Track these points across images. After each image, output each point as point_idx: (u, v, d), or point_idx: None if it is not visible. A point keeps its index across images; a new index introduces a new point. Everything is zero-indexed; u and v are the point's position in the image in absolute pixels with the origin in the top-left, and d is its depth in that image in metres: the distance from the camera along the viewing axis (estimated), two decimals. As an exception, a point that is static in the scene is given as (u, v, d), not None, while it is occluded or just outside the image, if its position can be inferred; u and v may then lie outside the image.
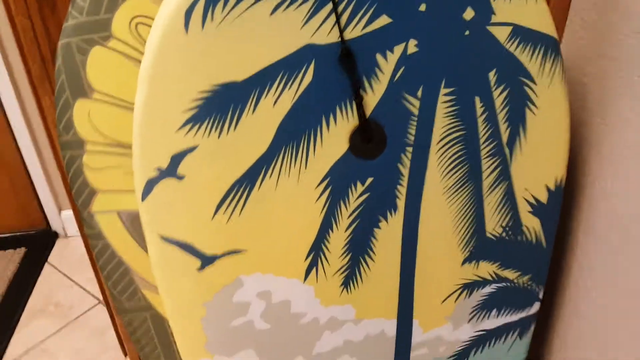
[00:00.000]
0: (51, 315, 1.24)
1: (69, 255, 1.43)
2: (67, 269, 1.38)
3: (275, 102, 0.47)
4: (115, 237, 0.59)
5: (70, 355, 1.14)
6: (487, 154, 0.53)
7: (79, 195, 0.56)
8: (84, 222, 0.58)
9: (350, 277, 0.55)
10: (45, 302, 1.28)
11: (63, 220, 1.46)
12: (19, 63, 1.17)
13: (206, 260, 0.52)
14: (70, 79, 0.51)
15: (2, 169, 1.37)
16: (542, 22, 0.49)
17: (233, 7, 0.44)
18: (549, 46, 0.50)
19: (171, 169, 0.48)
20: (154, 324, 0.65)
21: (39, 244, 1.44)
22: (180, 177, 0.49)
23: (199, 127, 0.47)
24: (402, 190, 0.53)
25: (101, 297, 1.27)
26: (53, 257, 1.42)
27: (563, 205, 0.61)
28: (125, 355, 0.92)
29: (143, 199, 0.49)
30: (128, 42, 0.50)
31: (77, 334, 1.19)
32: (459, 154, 0.52)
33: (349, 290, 0.56)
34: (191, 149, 0.48)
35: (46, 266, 1.39)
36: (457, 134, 0.52)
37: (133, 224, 0.58)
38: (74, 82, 0.51)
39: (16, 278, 1.34)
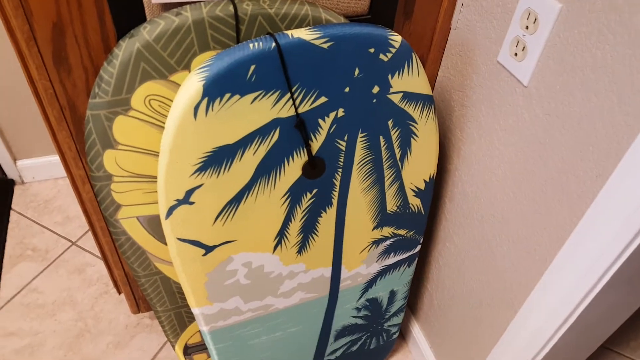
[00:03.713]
0: (30, 258, 1.43)
1: (31, 202, 1.58)
2: (33, 214, 1.54)
3: (255, 152, 0.71)
4: (135, 233, 0.82)
5: (59, 292, 1.37)
6: (387, 167, 0.82)
7: (107, 209, 0.78)
8: (111, 224, 0.80)
9: (302, 247, 0.85)
10: (22, 247, 1.46)
11: (19, 169, 1.58)
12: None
13: (208, 249, 0.78)
14: (100, 137, 0.71)
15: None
16: (421, 87, 0.76)
17: (226, 102, 0.66)
18: (425, 100, 0.78)
19: (185, 199, 0.72)
20: (162, 282, 0.91)
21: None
22: (192, 203, 0.73)
23: (204, 173, 0.70)
24: (335, 193, 0.81)
25: (74, 239, 1.48)
26: (16, 204, 1.57)
27: (435, 187, 0.94)
28: (120, 293, 1.18)
29: (166, 218, 0.73)
30: (143, 111, 0.70)
31: (60, 273, 1.40)
32: (370, 169, 0.81)
33: (301, 254, 0.86)
34: (199, 186, 0.71)
35: (12, 213, 1.54)
36: (369, 158, 0.79)
37: (148, 223, 0.82)
38: (103, 139, 0.71)
39: (-14, 227, 1.48)
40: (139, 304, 1.17)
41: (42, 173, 1.62)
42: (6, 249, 1.45)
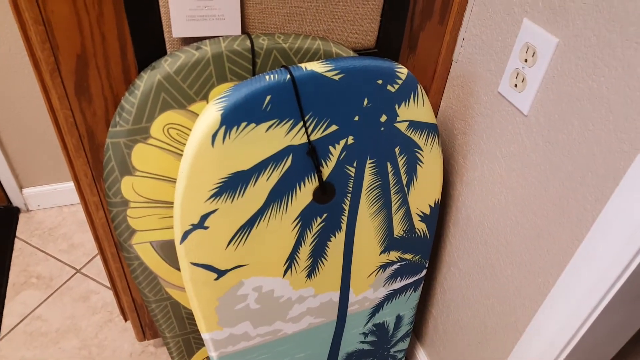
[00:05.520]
0: (34, 286, 1.44)
1: (35, 229, 1.59)
2: (38, 242, 1.55)
3: (268, 178, 0.74)
4: (147, 258, 0.84)
5: (63, 319, 1.37)
6: (394, 192, 0.85)
7: (121, 234, 0.80)
8: (124, 250, 0.82)
9: (311, 271, 0.87)
10: (26, 275, 1.46)
11: (25, 196, 1.60)
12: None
13: (220, 274, 0.80)
14: (119, 164, 0.73)
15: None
16: (426, 116, 0.80)
17: (243, 130, 0.69)
18: (430, 129, 0.81)
19: (200, 224, 0.74)
20: (172, 307, 0.93)
21: (4, 219, 1.58)
22: (206, 228, 0.75)
23: (219, 198, 0.73)
24: (344, 218, 0.84)
25: (78, 267, 1.49)
26: (21, 231, 1.58)
27: (440, 212, 0.97)
28: (126, 320, 1.18)
29: (181, 242, 0.75)
30: (162, 139, 0.73)
31: (64, 301, 1.41)
32: (378, 194, 0.84)
33: (310, 279, 0.88)
34: (213, 211, 0.74)
35: (17, 240, 1.55)
36: (377, 183, 0.82)
37: (161, 248, 0.84)
38: (122, 166, 0.74)
39: (-10, 255, 1.49)
40: (145, 331, 1.17)
41: (47, 201, 1.64)
42: (10, 277, 1.45)
